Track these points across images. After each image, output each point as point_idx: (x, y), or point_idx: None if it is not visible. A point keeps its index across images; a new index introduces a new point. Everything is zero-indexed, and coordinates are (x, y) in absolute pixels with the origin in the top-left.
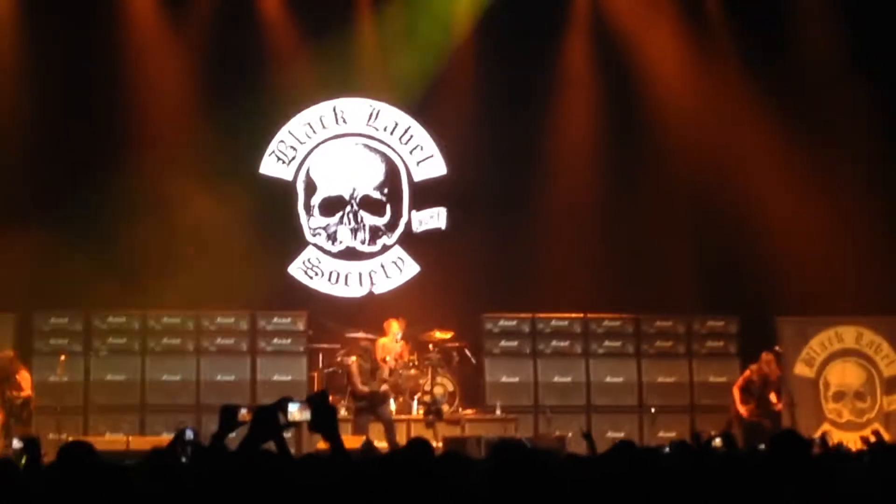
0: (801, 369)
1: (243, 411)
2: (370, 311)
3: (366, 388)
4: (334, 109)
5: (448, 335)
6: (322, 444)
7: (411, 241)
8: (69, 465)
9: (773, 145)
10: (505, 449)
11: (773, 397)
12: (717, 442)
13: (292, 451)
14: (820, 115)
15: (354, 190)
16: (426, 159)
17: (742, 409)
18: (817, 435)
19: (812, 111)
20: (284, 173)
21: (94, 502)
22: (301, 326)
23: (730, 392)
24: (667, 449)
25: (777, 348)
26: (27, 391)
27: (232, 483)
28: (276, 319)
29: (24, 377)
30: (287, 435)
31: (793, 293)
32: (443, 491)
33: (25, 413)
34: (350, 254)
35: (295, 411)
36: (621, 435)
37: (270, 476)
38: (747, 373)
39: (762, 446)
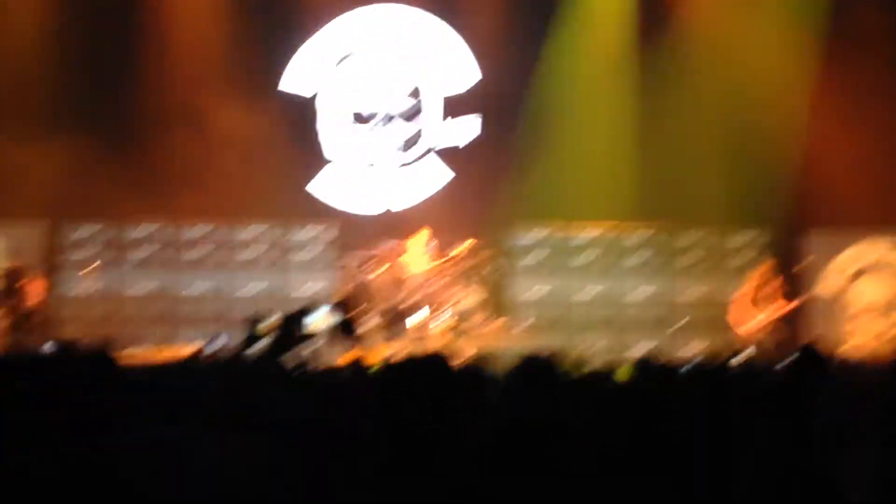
0: (830, 282)
1: (272, 319)
2: (397, 222)
3: (393, 300)
4: (362, 18)
5: (478, 246)
6: (344, 358)
7: (444, 151)
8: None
9: (806, 56)
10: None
11: (776, 309)
12: (738, 359)
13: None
14: (851, 27)
15: (383, 102)
16: (459, 66)
17: (752, 324)
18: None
19: (842, 24)
20: (308, 89)
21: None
22: (330, 237)
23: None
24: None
25: (807, 261)
26: (33, 301)
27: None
28: (305, 230)
29: (33, 288)
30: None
31: (824, 206)
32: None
33: (26, 325)
34: (379, 166)
35: (319, 319)
36: (650, 347)
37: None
38: (745, 287)
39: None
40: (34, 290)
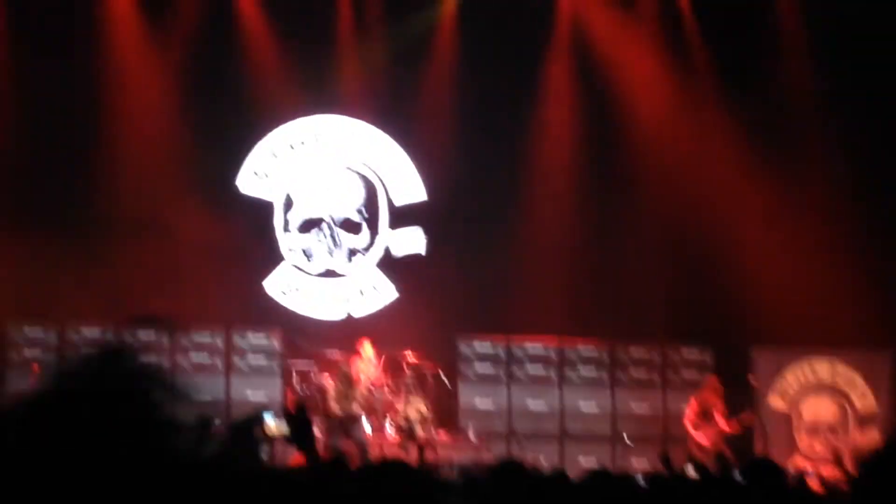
0: (775, 401)
1: (217, 425)
2: (346, 330)
3: (340, 408)
4: (314, 127)
5: (422, 358)
6: (296, 459)
7: (389, 263)
8: None
9: (749, 175)
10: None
11: (721, 423)
12: (690, 470)
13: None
14: (795, 146)
15: (332, 209)
16: (406, 181)
17: (701, 438)
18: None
19: (788, 142)
20: (262, 189)
21: None
22: (276, 344)
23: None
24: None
25: (752, 379)
26: None
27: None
28: (250, 336)
29: None
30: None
31: (768, 324)
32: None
33: None
34: (327, 273)
35: (272, 424)
36: (593, 461)
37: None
38: (695, 403)
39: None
40: None
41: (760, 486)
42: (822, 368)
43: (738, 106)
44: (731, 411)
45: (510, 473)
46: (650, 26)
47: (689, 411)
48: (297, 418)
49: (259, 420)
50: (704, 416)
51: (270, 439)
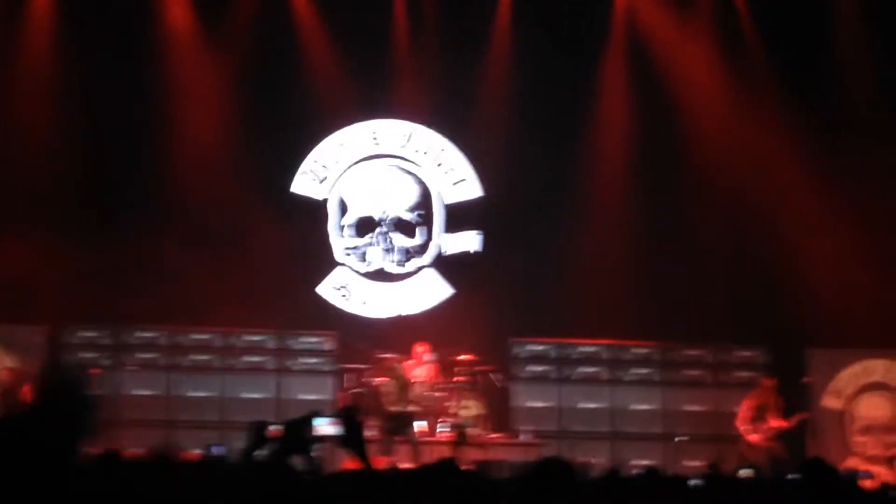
0: (829, 401)
1: (272, 428)
2: (399, 332)
3: (394, 409)
4: (369, 130)
5: (476, 358)
6: (349, 463)
7: (443, 264)
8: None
9: (806, 175)
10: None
11: (773, 422)
12: (745, 472)
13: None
14: (855, 147)
15: (386, 211)
16: (460, 182)
17: (754, 439)
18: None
19: (847, 143)
20: (317, 192)
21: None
22: (329, 346)
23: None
24: (692, 481)
25: (806, 379)
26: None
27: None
28: (304, 338)
29: (26, 392)
30: (315, 452)
31: (823, 325)
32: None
33: None
34: (381, 275)
35: (323, 426)
36: (645, 463)
37: (299, 492)
38: (749, 403)
39: (789, 475)
40: (26, 395)
41: (814, 487)
42: (877, 368)
43: (797, 105)
44: (786, 412)
45: (554, 472)
46: (707, 23)
47: (743, 411)
48: (349, 420)
49: (310, 422)
50: (758, 416)
51: (322, 441)
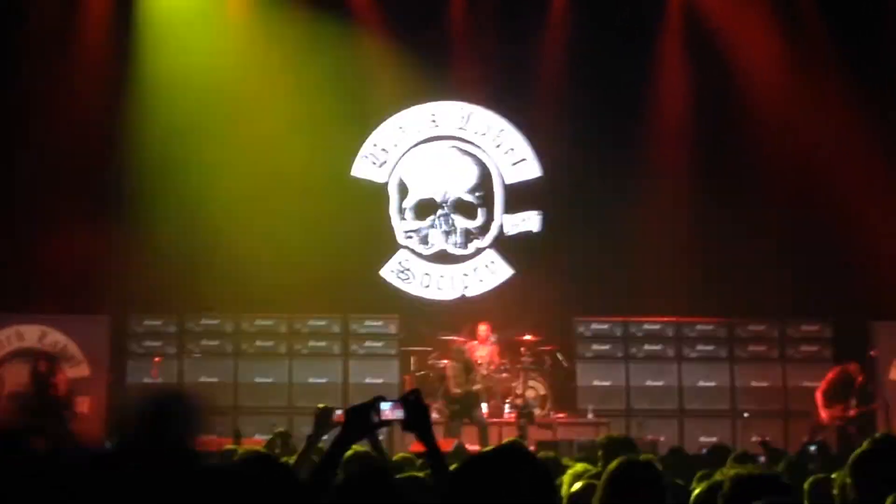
0: None
1: (338, 412)
2: (462, 314)
3: (459, 391)
4: (427, 112)
5: (539, 339)
6: (415, 447)
7: (504, 245)
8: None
9: (868, 146)
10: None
11: (850, 405)
12: (812, 449)
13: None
14: None
15: (447, 193)
16: (519, 162)
17: (824, 414)
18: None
19: None
20: (377, 176)
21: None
22: (393, 329)
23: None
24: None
25: (872, 353)
26: (62, 392)
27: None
28: (367, 322)
29: (61, 379)
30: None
31: (889, 297)
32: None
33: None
34: (442, 257)
35: (387, 410)
36: (714, 440)
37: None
38: (830, 375)
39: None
40: (61, 382)
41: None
42: None
43: (856, 79)
44: (862, 399)
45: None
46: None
47: (821, 386)
48: (412, 404)
49: (376, 406)
50: (834, 395)
51: (386, 423)
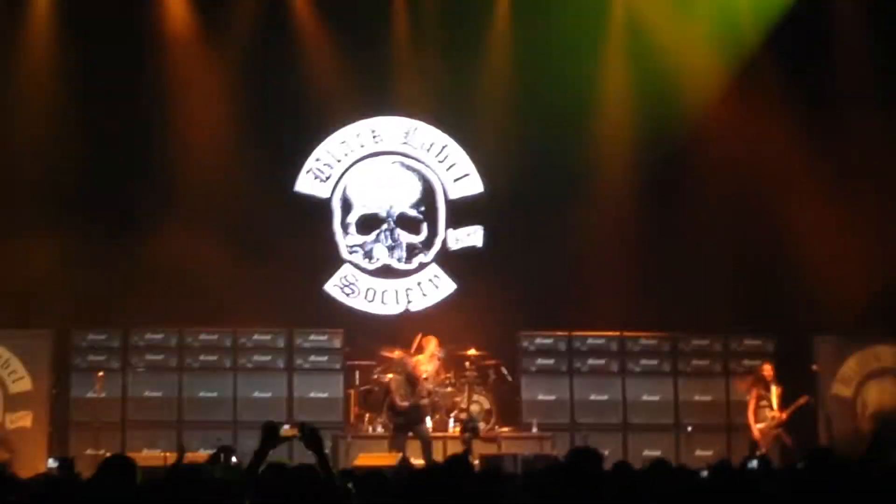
0: (838, 388)
1: (285, 427)
2: (407, 328)
3: (406, 404)
4: (370, 128)
5: (483, 353)
6: (362, 460)
7: (448, 259)
8: (110, 479)
9: (811, 164)
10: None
11: (777, 412)
12: (754, 464)
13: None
14: (852, 132)
15: (391, 208)
16: (462, 177)
17: (756, 433)
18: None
19: (843, 128)
20: (321, 191)
21: None
22: (337, 344)
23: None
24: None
25: (814, 367)
26: None
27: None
28: (312, 337)
29: None
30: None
31: (830, 312)
32: None
33: None
34: (386, 271)
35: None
36: (657, 453)
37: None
38: (754, 392)
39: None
40: None
41: (820, 476)
42: (885, 354)
43: (794, 92)
44: (786, 400)
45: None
46: (705, 10)
47: (750, 402)
48: (309, 430)
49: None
50: (760, 406)
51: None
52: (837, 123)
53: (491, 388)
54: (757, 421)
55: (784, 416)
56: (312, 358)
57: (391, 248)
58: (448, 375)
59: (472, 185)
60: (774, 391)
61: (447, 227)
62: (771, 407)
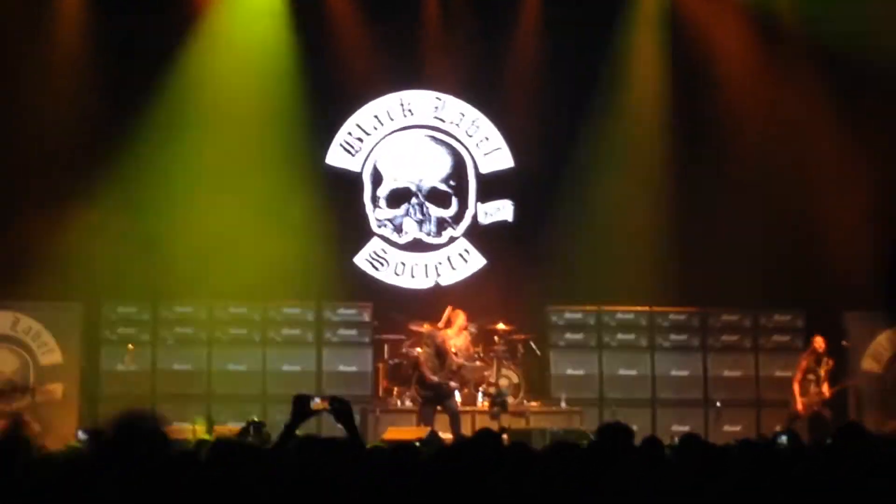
0: (868, 364)
1: (316, 400)
2: (436, 302)
3: (435, 378)
4: (401, 101)
5: (513, 327)
6: (387, 436)
7: (477, 234)
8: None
9: (841, 140)
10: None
11: (824, 387)
12: (783, 440)
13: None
14: (888, 111)
15: (421, 182)
16: (493, 151)
17: (800, 404)
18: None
19: (880, 108)
20: (351, 164)
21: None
22: (367, 317)
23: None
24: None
25: (844, 343)
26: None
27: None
28: (341, 310)
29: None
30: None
31: (861, 288)
32: (509, 481)
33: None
34: (416, 245)
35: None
36: (686, 429)
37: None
38: (802, 363)
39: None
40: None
41: (849, 452)
42: None
43: (830, 70)
44: (833, 377)
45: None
46: None
47: (796, 375)
48: (339, 402)
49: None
50: (806, 381)
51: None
52: (874, 103)
53: (520, 363)
54: (801, 394)
55: (828, 393)
56: (341, 332)
57: (421, 222)
58: (477, 349)
59: (503, 159)
60: (825, 365)
61: (477, 201)
62: (817, 381)
